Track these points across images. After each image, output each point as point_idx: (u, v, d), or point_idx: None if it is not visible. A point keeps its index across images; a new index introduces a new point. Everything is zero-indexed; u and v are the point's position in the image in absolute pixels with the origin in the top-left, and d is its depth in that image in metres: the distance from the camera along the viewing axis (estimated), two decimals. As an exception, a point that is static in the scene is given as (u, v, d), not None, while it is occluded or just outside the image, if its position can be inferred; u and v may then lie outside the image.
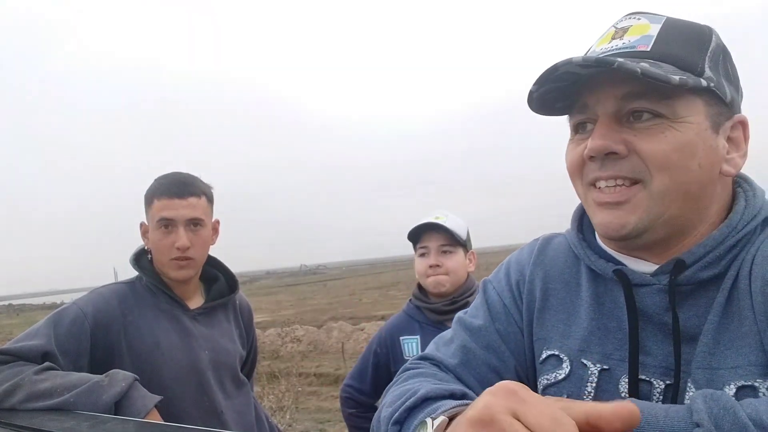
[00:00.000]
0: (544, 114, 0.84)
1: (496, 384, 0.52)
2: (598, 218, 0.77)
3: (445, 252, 1.93)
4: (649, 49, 0.72)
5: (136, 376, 1.27)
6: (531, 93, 0.78)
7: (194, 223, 1.57)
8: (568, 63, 0.71)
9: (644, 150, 0.71)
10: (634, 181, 0.73)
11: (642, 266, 0.78)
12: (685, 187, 0.72)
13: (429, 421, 0.61)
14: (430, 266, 1.93)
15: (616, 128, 0.73)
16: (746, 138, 0.77)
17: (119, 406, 1.20)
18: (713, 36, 0.76)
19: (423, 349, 1.94)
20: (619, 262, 0.80)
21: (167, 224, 1.55)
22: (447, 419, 0.60)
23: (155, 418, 1.23)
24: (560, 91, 0.78)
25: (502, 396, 0.49)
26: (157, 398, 1.25)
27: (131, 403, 1.21)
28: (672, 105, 0.71)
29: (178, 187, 1.57)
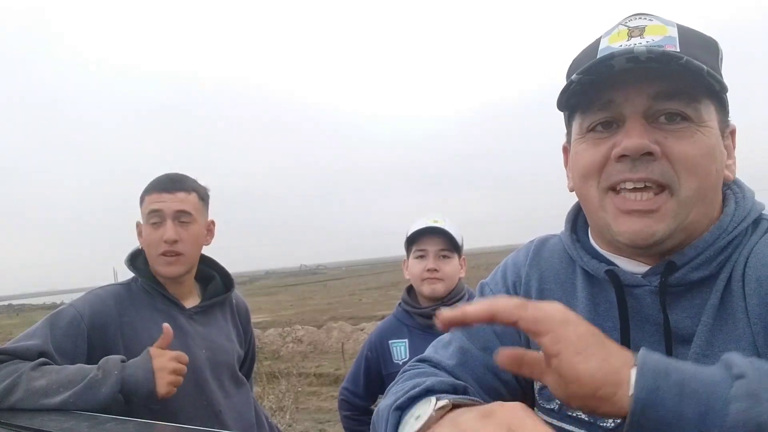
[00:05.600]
0: (562, 109, 0.82)
1: (509, 403, 0.56)
2: (624, 226, 0.73)
3: (444, 257, 1.91)
4: (678, 50, 0.70)
5: (123, 357, 1.30)
6: (570, 84, 0.74)
7: (182, 217, 1.57)
8: (628, 52, 0.67)
9: (676, 153, 0.70)
10: (662, 188, 0.71)
11: (634, 267, 0.78)
12: (705, 192, 0.72)
13: (433, 399, 0.63)
14: (428, 270, 1.90)
15: (649, 128, 0.71)
16: (734, 146, 0.79)
17: (125, 392, 1.23)
18: (720, 47, 0.76)
19: (411, 353, 1.93)
20: (611, 263, 0.80)
21: (156, 217, 1.56)
22: (450, 405, 0.61)
23: (162, 355, 1.30)
24: (582, 85, 0.73)
25: (510, 410, 0.53)
26: (147, 349, 1.31)
27: (134, 381, 1.25)
28: (698, 109, 0.71)
29: (167, 182, 1.60)
